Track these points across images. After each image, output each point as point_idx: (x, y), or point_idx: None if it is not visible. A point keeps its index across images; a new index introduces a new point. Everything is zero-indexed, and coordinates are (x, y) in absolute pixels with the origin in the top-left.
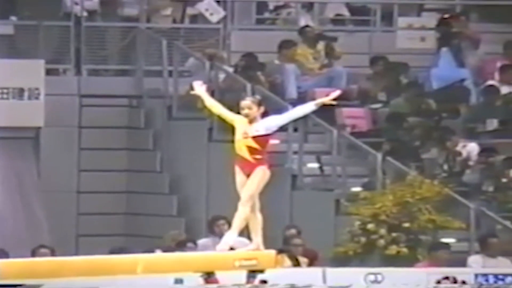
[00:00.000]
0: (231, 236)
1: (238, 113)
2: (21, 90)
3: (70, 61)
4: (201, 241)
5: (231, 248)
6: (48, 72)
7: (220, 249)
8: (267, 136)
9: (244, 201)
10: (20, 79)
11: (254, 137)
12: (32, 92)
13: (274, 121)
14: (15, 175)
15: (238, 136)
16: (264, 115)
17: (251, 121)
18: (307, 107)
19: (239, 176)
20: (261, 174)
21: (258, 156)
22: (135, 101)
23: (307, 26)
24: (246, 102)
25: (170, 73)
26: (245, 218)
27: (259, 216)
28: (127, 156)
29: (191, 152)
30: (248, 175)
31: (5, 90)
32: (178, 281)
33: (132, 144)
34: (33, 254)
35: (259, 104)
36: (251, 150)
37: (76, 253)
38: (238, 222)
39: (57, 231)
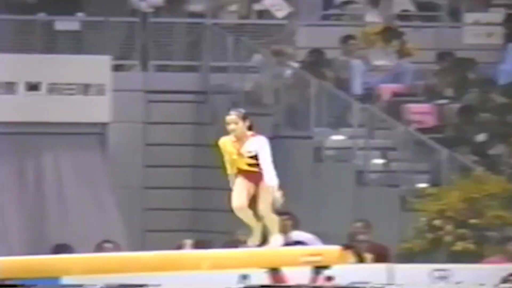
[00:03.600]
0: (277, 238)
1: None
2: (88, 86)
3: (137, 57)
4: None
5: (297, 243)
6: (115, 68)
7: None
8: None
9: (265, 213)
10: (86, 75)
11: (250, 157)
12: (98, 88)
13: (260, 153)
14: (82, 170)
15: (233, 156)
16: (250, 128)
17: (238, 138)
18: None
19: (243, 181)
20: (271, 188)
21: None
22: (200, 97)
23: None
24: (232, 117)
25: (236, 69)
26: (274, 221)
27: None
28: (193, 152)
29: None
30: (255, 183)
31: (71, 86)
32: (244, 277)
33: (198, 140)
34: (98, 249)
35: (244, 118)
36: (253, 165)
37: (143, 249)
38: (271, 225)
39: (124, 226)
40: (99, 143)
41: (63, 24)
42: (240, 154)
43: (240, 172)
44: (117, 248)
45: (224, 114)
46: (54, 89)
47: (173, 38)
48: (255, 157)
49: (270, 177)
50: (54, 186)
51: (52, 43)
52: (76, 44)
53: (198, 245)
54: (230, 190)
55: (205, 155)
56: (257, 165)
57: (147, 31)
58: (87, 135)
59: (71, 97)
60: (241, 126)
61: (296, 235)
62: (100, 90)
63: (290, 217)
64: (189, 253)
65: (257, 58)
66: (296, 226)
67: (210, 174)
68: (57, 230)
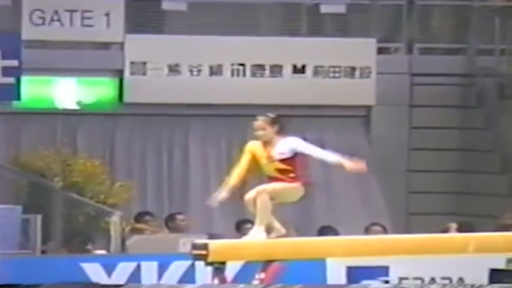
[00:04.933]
0: (258, 230)
1: None
2: (353, 69)
3: (402, 39)
4: None
5: None
6: (379, 50)
7: None
8: (294, 157)
9: (265, 189)
10: (351, 58)
11: (281, 160)
12: (363, 70)
13: (301, 146)
14: (346, 153)
15: (263, 160)
16: (280, 132)
17: (265, 143)
18: (330, 158)
19: None
20: (293, 186)
21: (292, 175)
22: (466, 80)
23: None
24: (258, 122)
25: (503, 52)
26: (265, 207)
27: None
28: (458, 135)
29: None
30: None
31: (336, 69)
32: (510, 260)
33: (464, 123)
34: (367, 231)
35: (273, 122)
36: (283, 171)
37: (406, 232)
38: (261, 213)
39: (389, 209)
40: (363, 126)
41: (329, 7)
42: (269, 158)
43: (269, 179)
44: (384, 231)
45: (491, 97)
46: (319, 72)
47: (439, 20)
48: (286, 161)
49: (331, 156)
50: (319, 169)
51: (318, 26)
52: (341, 27)
53: (463, 228)
54: (494, 174)
55: (470, 138)
56: (286, 171)
57: (413, 14)
58: (351, 117)
59: (336, 80)
60: (269, 131)
61: None
62: (365, 73)
63: None
64: (455, 236)
65: None
66: None
67: (475, 157)
68: (323, 212)
